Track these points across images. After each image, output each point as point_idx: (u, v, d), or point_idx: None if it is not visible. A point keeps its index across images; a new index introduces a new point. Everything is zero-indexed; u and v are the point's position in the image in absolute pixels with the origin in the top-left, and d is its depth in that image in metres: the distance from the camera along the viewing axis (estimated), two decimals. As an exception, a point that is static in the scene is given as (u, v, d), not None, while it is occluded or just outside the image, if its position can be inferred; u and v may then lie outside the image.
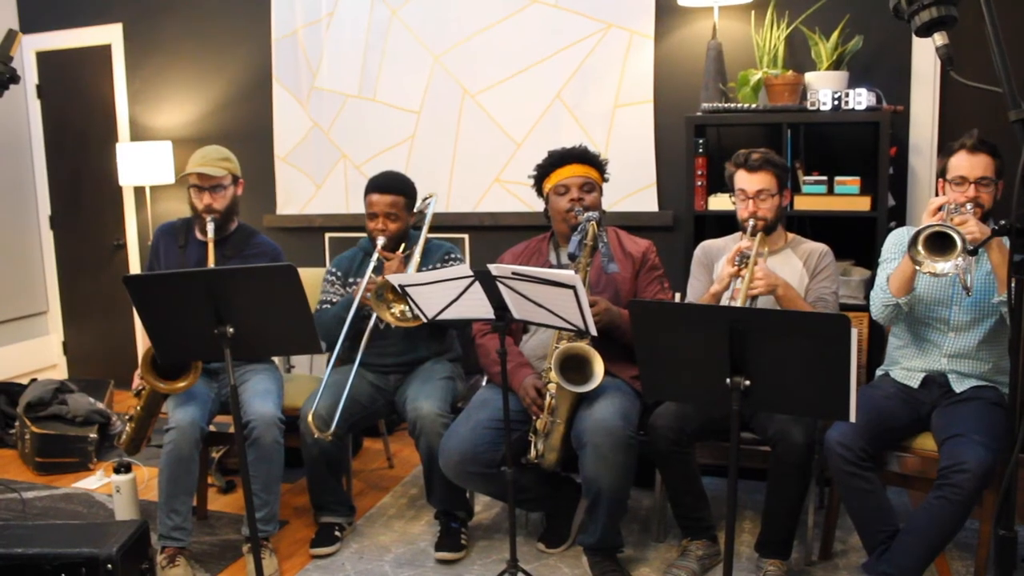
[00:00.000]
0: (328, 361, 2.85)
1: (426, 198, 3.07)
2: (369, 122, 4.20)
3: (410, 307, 2.47)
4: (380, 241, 2.91)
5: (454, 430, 2.64)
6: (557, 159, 2.78)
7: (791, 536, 2.53)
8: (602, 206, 2.77)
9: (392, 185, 2.96)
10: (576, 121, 3.85)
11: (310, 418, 2.73)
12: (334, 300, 3.04)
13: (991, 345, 2.45)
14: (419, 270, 2.84)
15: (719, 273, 2.58)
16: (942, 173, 2.47)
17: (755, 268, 2.44)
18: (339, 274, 3.09)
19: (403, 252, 2.94)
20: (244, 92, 4.47)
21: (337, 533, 2.91)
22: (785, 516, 2.49)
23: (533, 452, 2.58)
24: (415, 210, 3.04)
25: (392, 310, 2.73)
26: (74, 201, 5.01)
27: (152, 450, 3.52)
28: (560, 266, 2.78)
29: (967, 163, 2.40)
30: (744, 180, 2.62)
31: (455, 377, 3.02)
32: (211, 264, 2.78)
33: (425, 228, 2.96)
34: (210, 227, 2.82)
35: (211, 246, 2.81)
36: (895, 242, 2.60)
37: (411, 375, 2.99)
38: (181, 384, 2.66)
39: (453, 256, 3.04)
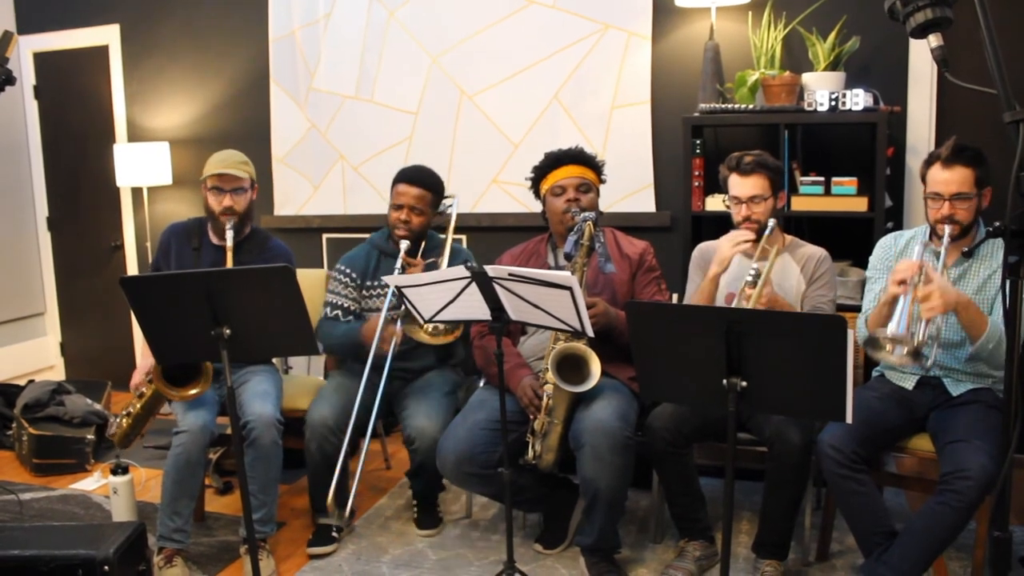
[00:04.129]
0: (342, 369, 2.84)
1: (446, 198, 3.03)
2: (367, 123, 4.20)
3: (413, 314, 2.46)
4: (404, 245, 2.89)
5: (451, 431, 2.65)
6: (553, 160, 2.78)
7: (788, 537, 2.54)
8: (599, 207, 2.77)
9: (421, 178, 2.95)
10: (573, 122, 3.85)
11: (329, 501, 2.72)
12: (345, 305, 3.02)
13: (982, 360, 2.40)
14: None
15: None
16: (923, 180, 2.45)
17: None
18: (353, 275, 3.04)
19: (424, 259, 2.93)
20: (241, 93, 4.47)
21: (334, 534, 2.91)
22: (782, 517, 2.49)
23: (531, 453, 2.58)
24: (438, 210, 3.02)
25: (426, 327, 2.73)
26: (72, 202, 5.01)
27: (150, 451, 3.53)
28: (558, 267, 2.77)
29: (942, 178, 2.35)
30: (737, 185, 2.61)
31: (456, 390, 3.02)
32: None
33: (450, 231, 2.94)
34: (229, 234, 2.79)
35: (230, 254, 2.78)
36: (881, 255, 2.58)
37: (413, 384, 2.99)
38: (192, 392, 2.65)
39: (470, 264, 3.02)
